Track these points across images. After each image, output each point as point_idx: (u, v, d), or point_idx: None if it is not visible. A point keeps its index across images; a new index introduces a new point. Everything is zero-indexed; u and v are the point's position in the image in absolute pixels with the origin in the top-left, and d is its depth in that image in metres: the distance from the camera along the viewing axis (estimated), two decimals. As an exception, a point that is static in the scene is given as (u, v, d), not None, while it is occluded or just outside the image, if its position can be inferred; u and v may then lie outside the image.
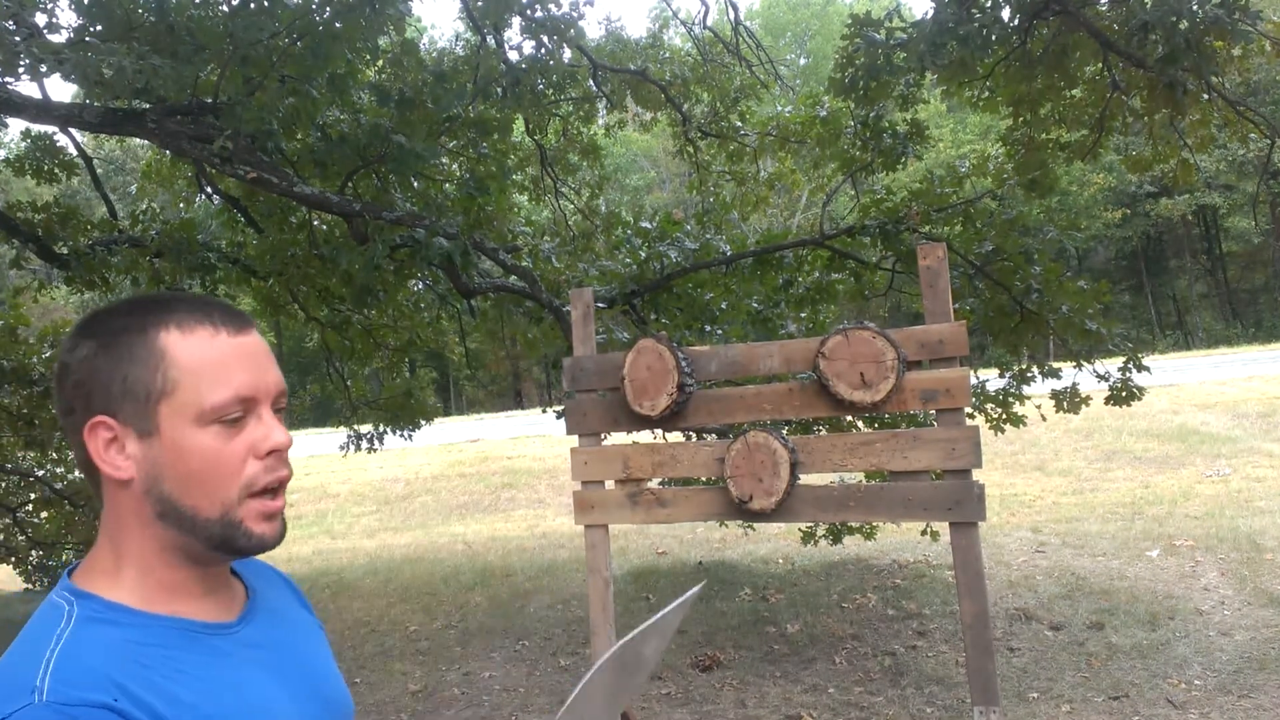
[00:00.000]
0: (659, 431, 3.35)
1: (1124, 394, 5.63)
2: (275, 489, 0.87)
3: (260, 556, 0.93)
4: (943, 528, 6.30)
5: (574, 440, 3.20)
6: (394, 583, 8.55)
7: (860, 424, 5.40)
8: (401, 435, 8.32)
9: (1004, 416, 6.03)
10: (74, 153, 6.49)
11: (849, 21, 5.28)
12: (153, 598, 0.84)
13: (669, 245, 5.62)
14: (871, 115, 5.82)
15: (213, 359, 0.83)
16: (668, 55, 8.84)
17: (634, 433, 3.24)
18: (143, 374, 0.82)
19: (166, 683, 0.78)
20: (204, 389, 0.82)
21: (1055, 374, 5.95)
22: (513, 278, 5.60)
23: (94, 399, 0.83)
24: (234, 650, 0.86)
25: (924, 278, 2.76)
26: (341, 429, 8.48)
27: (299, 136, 5.22)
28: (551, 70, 6.70)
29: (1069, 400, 5.85)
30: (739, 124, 8.35)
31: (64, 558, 8.08)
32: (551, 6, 6.52)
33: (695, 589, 1.10)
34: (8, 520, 8.06)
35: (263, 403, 0.86)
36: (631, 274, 5.56)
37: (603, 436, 3.20)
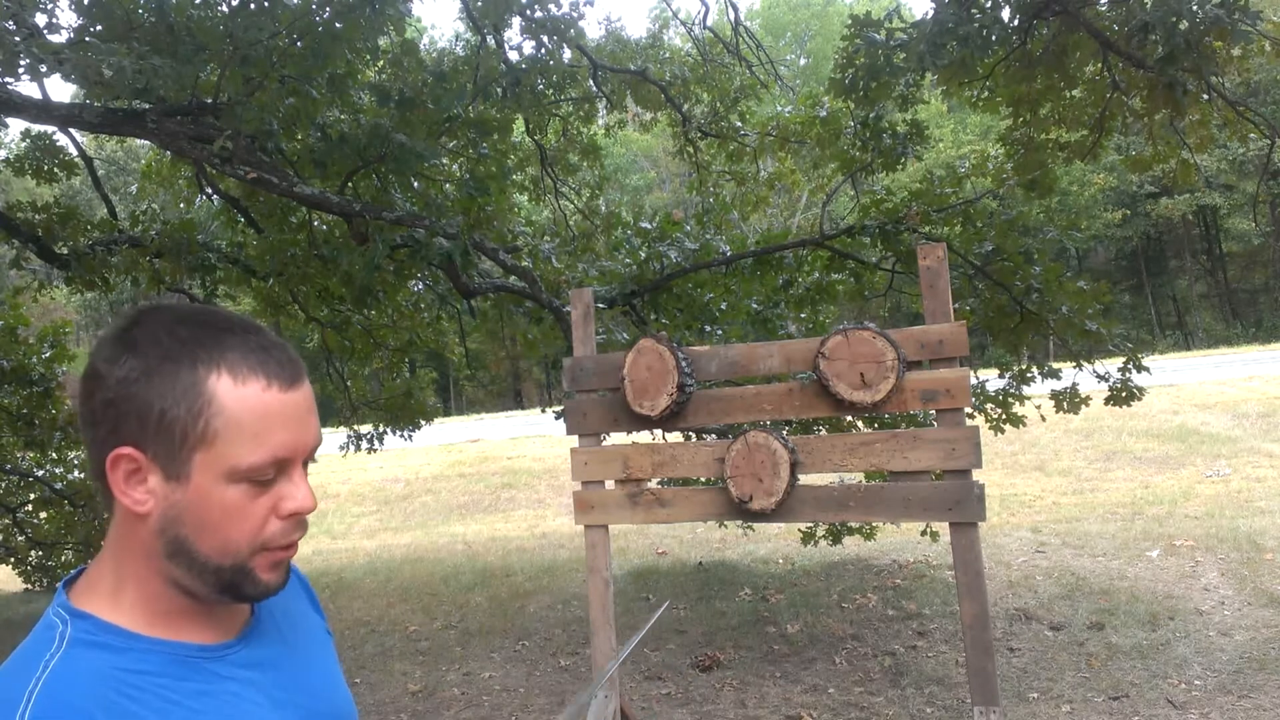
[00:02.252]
0: (659, 431, 3.35)
1: (1124, 394, 5.64)
2: (288, 546, 0.85)
3: None
4: (943, 528, 6.30)
5: (574, 440, 3.20)
6: (394, 583, 8.55)
7: (860, 424, 5.40)
8: (401, 435, 8.32)
9: (1004, 417, 6.03)
10: (74, 153, 6.50)
11: (849, 22, 5.28)
12: (153, 621, 0.82)
13: (669, 245, 5.62)
14: (871, 115, 5.82)
15: (259, 416, 0.79)
16: (668, 55, 8.85)
17: (634, 433, 3.24)
18: (183, 416, 0.78)
19: (154, 715, 0.76)
20: (244, 448, 0.79)
21: (1055, 374, 5.95)
22: (513, 278, 5.60)
23: (124, 426, 0.78)
24: (230, 673, 0.84)
25: (924, 278, 2.76)
26: (341, 429, 8.48)
27: (299, 136, 5.22)
28: (551, 70, 6.71)
29: (1069, 400, 5.85)
30: (739, 124, 8.35)
31: (64, 558, 8.08)
32: (551, 6, 6.52)
33: (658, 613, 1.09)
34: (8, 520, 8.06)
35: (296, 462, 0.84)
36: (631, 274, 5.57)
37: (603, 436, 3.20)
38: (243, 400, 0.79)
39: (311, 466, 0.89)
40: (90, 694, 0.74)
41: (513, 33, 8.22)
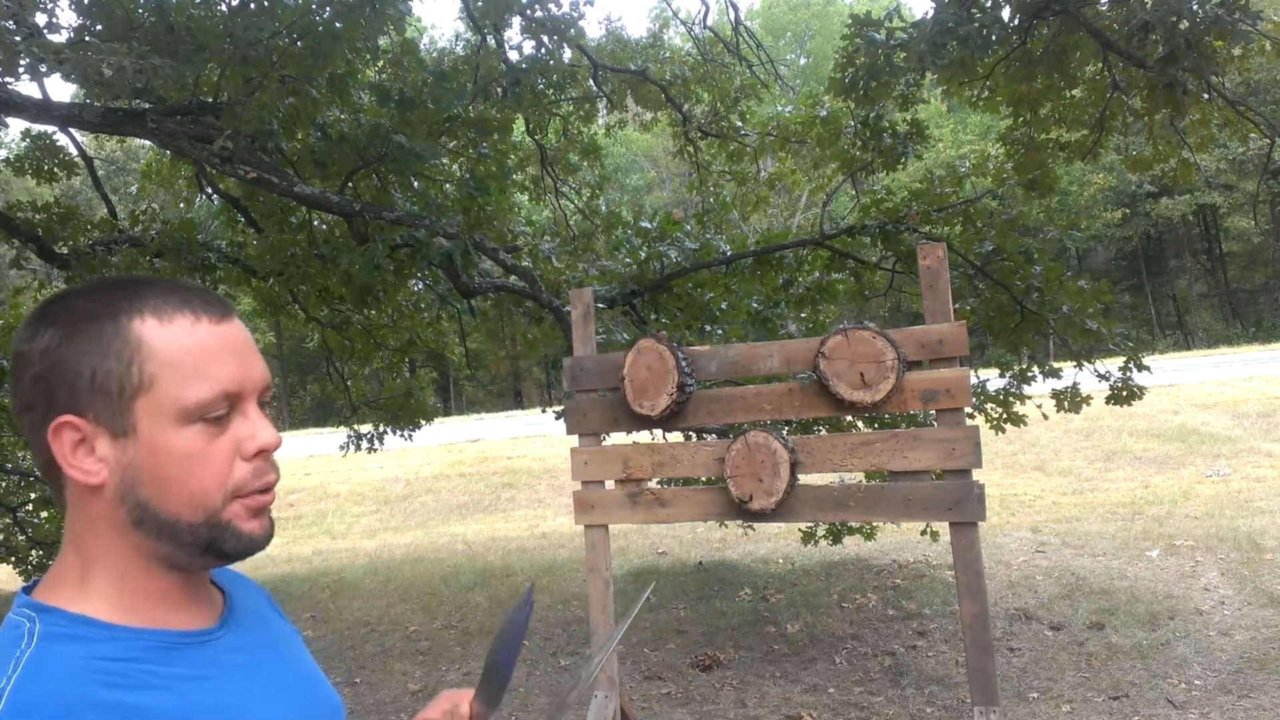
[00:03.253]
0: (659, 431, 3.35)
1: (1124, 394, 5.64)
2: (264, 490, 0.80)
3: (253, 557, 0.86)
4: (943, 528, 6.30)
5: (574, 440, 3.20)
6: (394, 583, 8.55)
7: (860, 424, 5.40)
8: (401, 435, 8.32)
9: (1004, 416, 6.03)
10: (74, 153, 6.50)
11: (849, 21, 5.29)
12: (132, 607, 0.77)
13: (669, 245, 5.62)
14: (871, 115, 5.82)
15: (194, 350, 0.75)
16: (668, 55, 8.85)
17: (634, 433, 3.24)
18: (115, 367, 0.74)
19: (141, 699, 0.72)
20: (185, 384, 0.75)
21: (1055, 374, 5.96)
22: (513, 278, 5.60)
23: (58, 395, 0.74)
24: (216, 657, 0.80)
25: (924, 278, 2.76)
26: (341, 429, 8.47)
27: (299, 136, 5.22)
28: (551, 70, 6.71)
29: (1069, 400, 5.86)
30: (739, 124, 8.35)
31: (64, 557, 8.08)
32: (551, 6, 6.52)
33: (645, 593, 1.08)
34: (8, 520, 8.06)
35: (248, 398, 0.79)
36: (631, 274, 5.57)
37: (603, 436, 3.20)
38: (173, 338, 0.75)
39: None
40: (67, 683, 0.69)
41: (513, 32, 8.23)
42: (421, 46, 8.08)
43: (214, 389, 0.76)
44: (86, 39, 4.11)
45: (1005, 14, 4.73)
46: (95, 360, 0.74)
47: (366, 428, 8.31)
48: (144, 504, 0.75)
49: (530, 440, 17.40)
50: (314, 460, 16.55)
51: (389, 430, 8.27)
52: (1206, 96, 4.61)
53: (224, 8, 4.75)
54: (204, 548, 0.77)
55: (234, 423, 0.78)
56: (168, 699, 0.73)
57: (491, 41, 7.00)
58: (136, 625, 0.76)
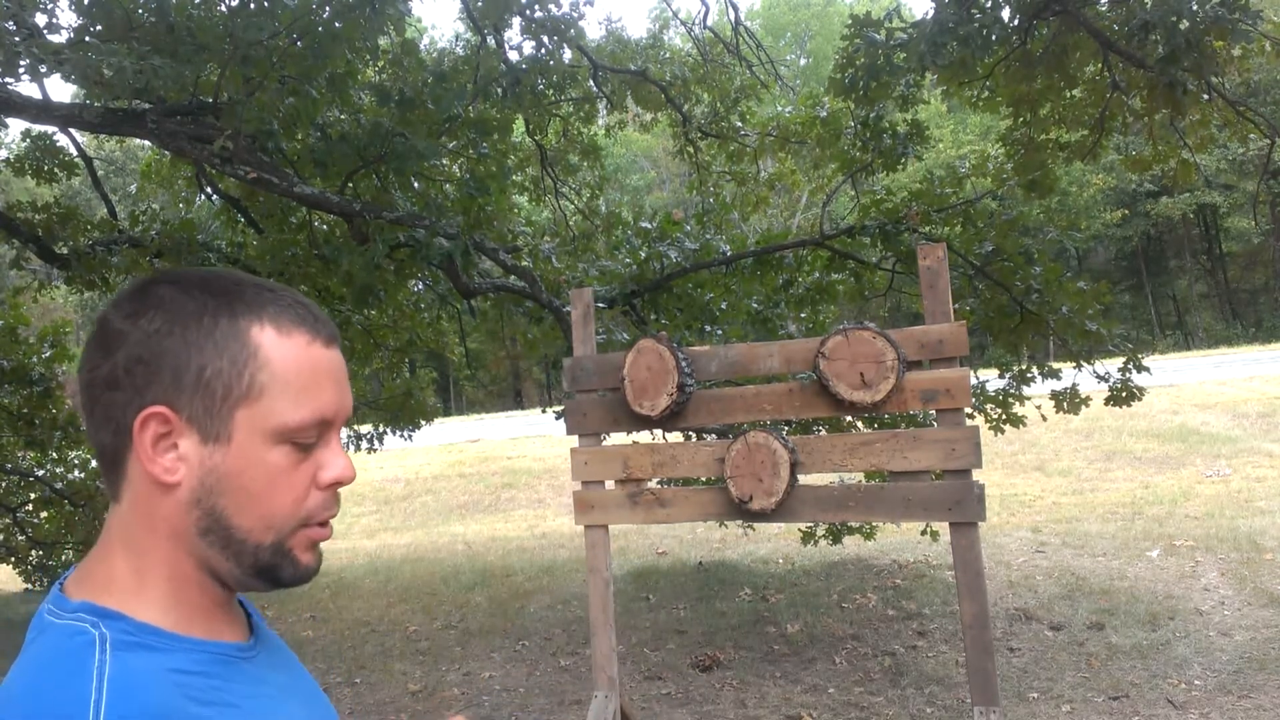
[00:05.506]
0: (659, 431, 3.35)
1: (1124, 394, 5.64)
2: (326, 523, 0.78)
3: None
4: (943, 528, 6.30)
5: (574, 440, 3.20)
6: (394, 583, 8.55)
7: (860, 424, 5.40)
8: (401, 435, 8.33)
9: (1004, 417, 6.03)
10: (74, 153, 6.50)
11: (849, 22, 5.29)
12: (190, 618, 0.73)
13: (669, 245, 5.62)
14: (871, 115, 5.82)
15: (306, 371, 0.74)
16: (668, 55, 8.86)
17: (634, 433, 3.24)
18: (226, 368, 0.71)
19: (214, 715, 0.69)
20: (291, 402, 0.72)
21: (1055, 374, 5.96)
22: (513, 278, 5.61)
23: (154, 384, 0.70)
24: (262, 675, 0.77)
25: (924, 278, 2.76)
26: (341, 429, 8.47)
27: (299, 136, 5.22)
28: (551, 70, 6.71)
29: (1069, 401, 5.86)
30: (739, 124, 8.35)
31: (64, 557, 8.08)
32: (551, 6, 6.52)
33: None
34: (8, 520, 8.06)
35: (335, 428, 0.78)
36: (631, 274, 5.57)
37: (603, 436, 3.20)
38: (289, 353, 0.73)
39: None
40: (160, 691, 0.66)
41: (513, 33, 8.23)
42: (421, 47, 8.08)
43: (315, 414, 0.74)
44: (86, 39, 4.11)
45: (1005, 14, 4.73)
46: (207, 357, 0.71)
47: (366, 428, 8.32)
48: (218, 514, 0.72)
49: (530, 440, 17.40)
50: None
51: (389, 430, 8.27)
52: (1206, 96, 4.61)
53: (224, 8, 4.75)
54: (260, 570, 0.75)
55: (318, 449, 0.76)
56: (237, 716, 0.71)
57: (491, 42, 7.01)
58: (195, 636, 0.73)
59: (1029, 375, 6.07)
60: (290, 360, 0.73)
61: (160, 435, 0.70)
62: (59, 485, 7.55)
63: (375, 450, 8.42)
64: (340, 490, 0.79)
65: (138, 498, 0.72)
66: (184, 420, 0.70)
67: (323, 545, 0.80)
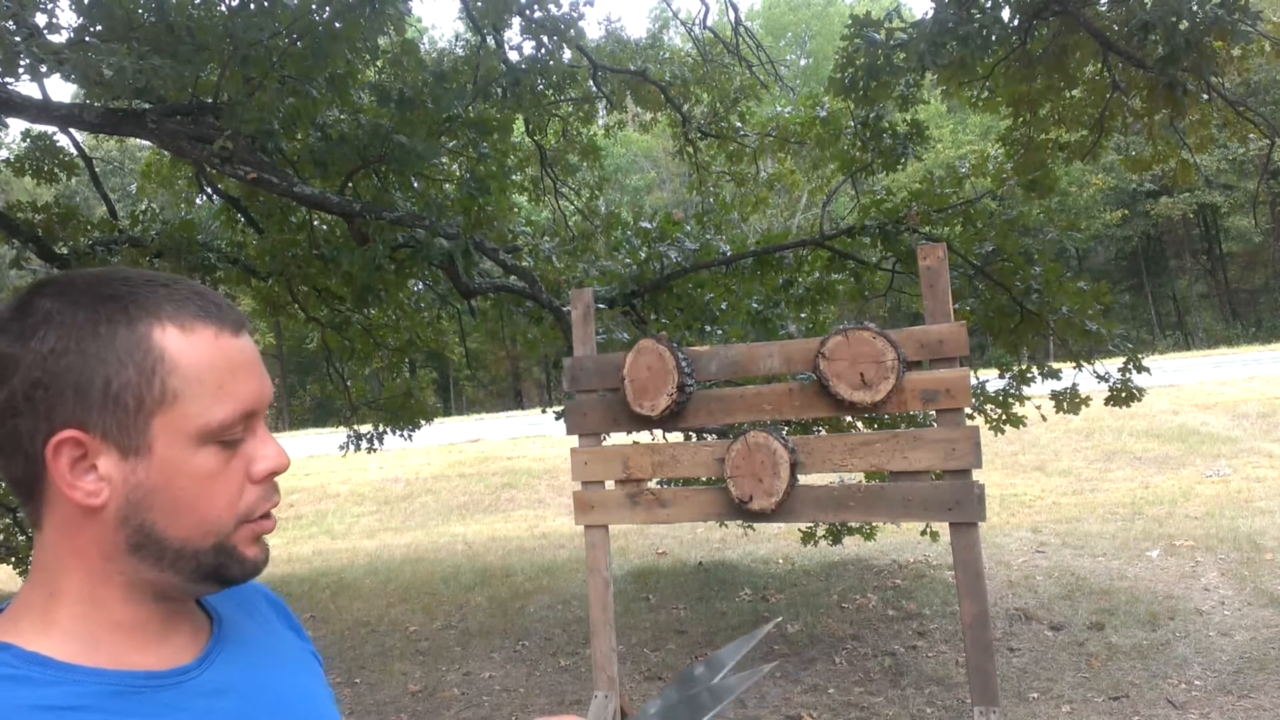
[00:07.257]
0: (659, 431, 3.35)
1: (1124, 394, 5.64)
2: (268, 514, 0.75)
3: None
4: (943, 528, 6.30)
5: (574, 440, 3.20)
6: (394, 583, 8.55)
7: (860, 424, 5.40)
8: (401, 435, 8.31)
9: (1004, 417, 6.03)
10: (74, 153, 6.51)
11: (849, 22, 5.29)
12: (97, 644, 0.69)
13: (669, 245, 5.63)
14: (871, 115, 5.83)
15: (219, 366, 0.70)
16: (667, 55, 8.86)
17: (634, 433, 3.24)
18: (134, 379, 0.67)
19: None
20: (209, 403, 0.69)
21: (1055, 374, 5.96)
22: (513, 278, 5.61)
23: (59, 407, 0.65)
24: (185, 703, 0.71)
25: (924, 278, 2.76)
26: (341, 429, 8.47)
27: (299, 136, 5.23)
28: (551, 70, 6.71)
29: (1069, 401, 5.86)
30: (739, 124, 8.36)
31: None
32: (551, 6, 6.53)
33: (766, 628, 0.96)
34: (8, 520, 8.05)
35: (259, 417, 0.74)
36: (631, 274, 5.57)
37: (603, 436, 3.20)
38: (197, 350, 0.69)
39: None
40: None
41: (513, 33, 8.22)
42: (421, 47, 8.08)
43: (237, 408, 0.71)
44: (86, 39, 4.11)
45: (1005, 14, 4.73)
46: (111, 370, 0.66)
47: (366, 428, 8.31)
48: (149, 529, 0.69)
49: (530, 440, 17.40)
50: (314, 460, 16.54)
51: (389, 430, 8.26)
52: (1206, 97, 4.62)
53: (224, 8, 4.75)
54: (205, 575, 0.72)
55: (246, 442, 0.73)
56: None
57: (491, 42, 7.01)
58: (97, 665, 0.68)
59: (1029, 375, 6.07)
60: (200, 358, 0.69)
61: (76, 459, 0.67)
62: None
63: (375, 450, 8.41)
64: (277, 479, 0.76)
65: (63, 523, 0.69)
66: (98, 439, 0.67)
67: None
